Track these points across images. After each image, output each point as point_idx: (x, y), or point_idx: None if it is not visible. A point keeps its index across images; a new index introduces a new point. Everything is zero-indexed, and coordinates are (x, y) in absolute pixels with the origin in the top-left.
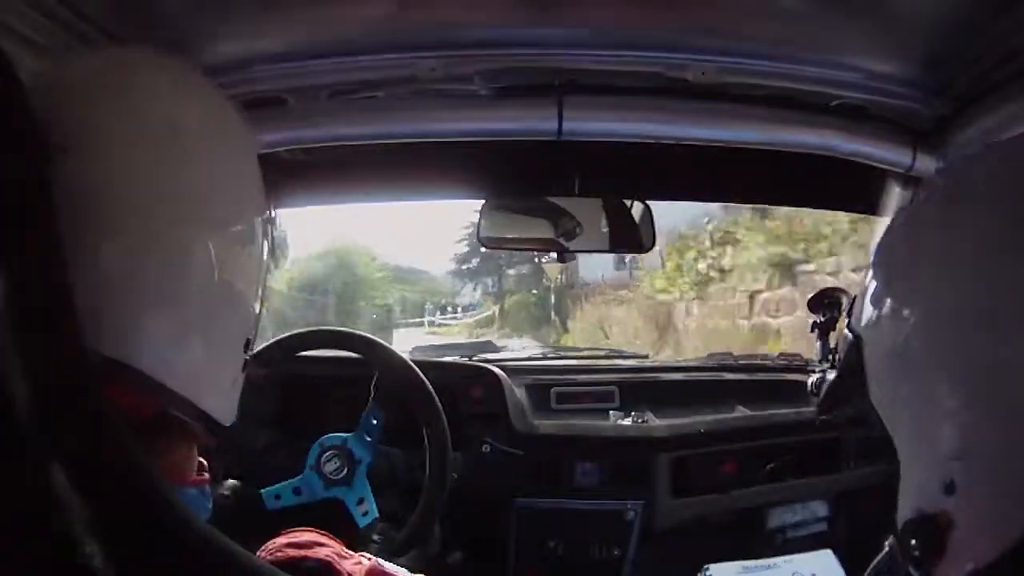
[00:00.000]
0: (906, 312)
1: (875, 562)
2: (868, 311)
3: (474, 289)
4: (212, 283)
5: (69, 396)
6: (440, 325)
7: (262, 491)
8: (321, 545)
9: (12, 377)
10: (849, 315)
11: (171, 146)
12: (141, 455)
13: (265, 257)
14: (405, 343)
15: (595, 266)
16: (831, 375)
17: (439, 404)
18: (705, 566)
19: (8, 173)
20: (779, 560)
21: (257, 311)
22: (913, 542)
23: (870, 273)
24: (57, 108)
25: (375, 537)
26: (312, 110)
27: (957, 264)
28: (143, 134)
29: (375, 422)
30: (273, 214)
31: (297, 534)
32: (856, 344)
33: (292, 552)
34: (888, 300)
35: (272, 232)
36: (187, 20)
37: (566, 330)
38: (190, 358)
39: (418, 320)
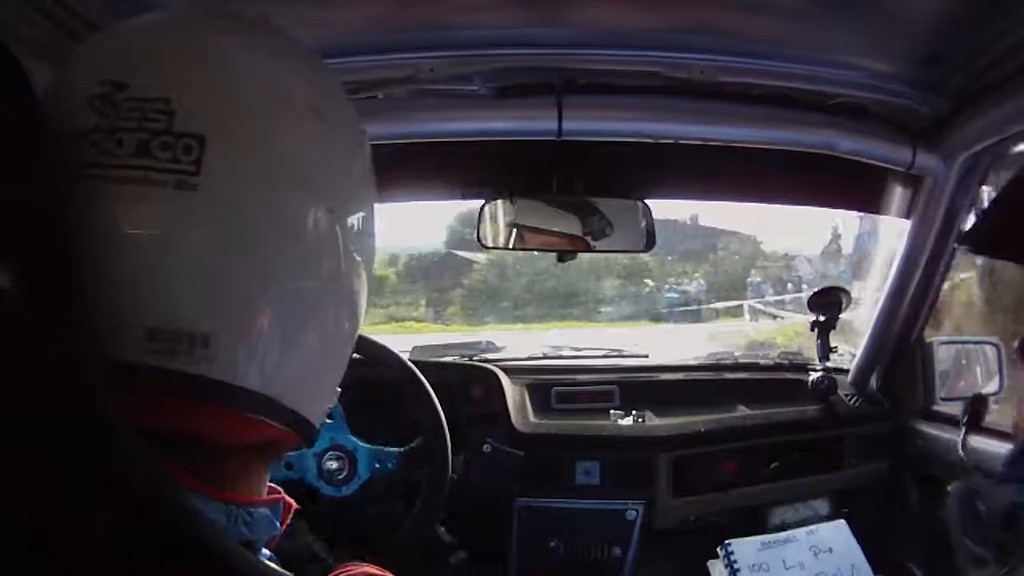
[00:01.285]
0: None
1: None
2: None
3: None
4: (345, 295)
5: (78, 407)
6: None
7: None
8: None
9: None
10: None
11: (315, 127)
12: (161, 469)
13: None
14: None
15: None
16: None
17: (438, 404)
18: (727, 542)
19: (14, 176)
20: (798, 533)
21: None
22: None
23: None
24: (180, 83)
25: None
26: None
27: None
28: (288, 113)
29: (390, 466)
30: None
31: (352, 567)
32: None
33: None
34: None
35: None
36: None
37: None
38: (317, 378)
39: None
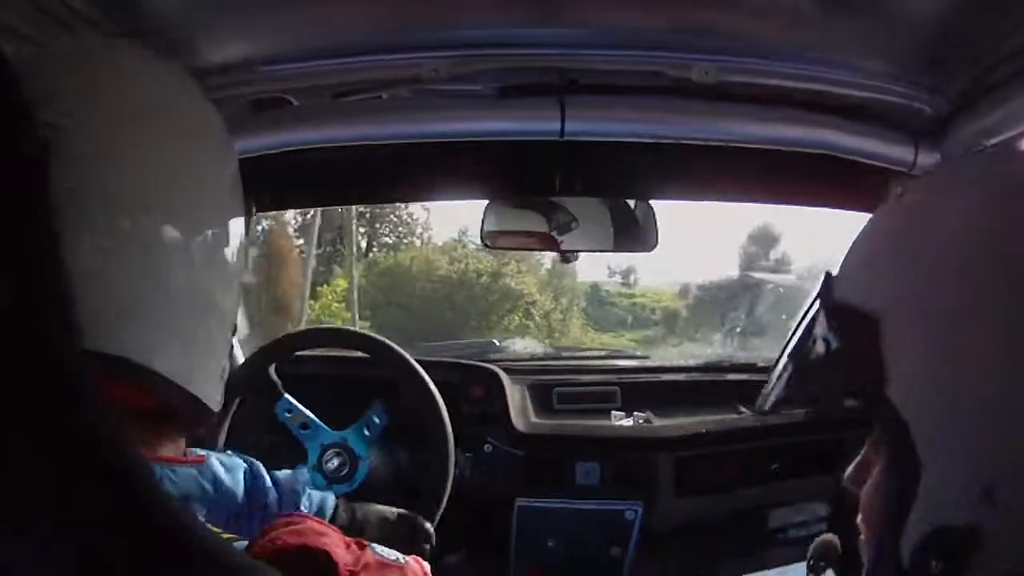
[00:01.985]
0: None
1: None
2: (895, 286)
3: None
4: (196, 271)
5: (68, 395)
6: None
7: None
8: (320, 534)
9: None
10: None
11: (154, 134)
12: (141, 457)
13: (239, 250)
14: None
15: None
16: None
17: (443, 405)
18: None
19: (3, 172)
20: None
21: (238, 302)
22: (933, 562)
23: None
24: (49, 86)
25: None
26: (316, 111)
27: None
28: (129, 121)
29: (377, 421)
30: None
31: (297, 521)
32: (869, 326)
33: (291, 539)
34: (919, 314)
35: (248, 230)
36: (188, 20)
37: None
38: (183, 346)
39: None
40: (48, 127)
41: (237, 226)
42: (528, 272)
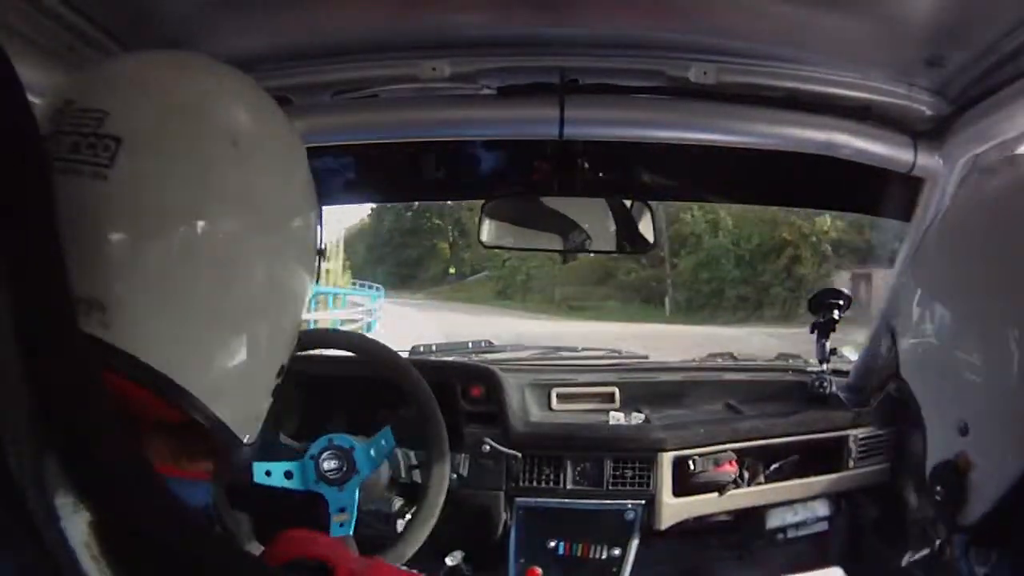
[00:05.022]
0: (938, 307)
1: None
2: (904, 310)
3: None
4: (254, 298)
5: (68, 393)
6: None
7: (255, 463)
8: (319, 543)
9: (11, 375)
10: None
11: (227, 150)
12: (139, 452)
13: (310, 281)
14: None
15: None
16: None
17: (436, 405)
18: None
19: (7, 174)
20: None
21: (296, 337)
22: (938, 488)
23: (905, 276)
24: (114, 100)
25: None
26: (315, 109)
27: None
28: (201, 136)
29: (384, 444)
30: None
31: (295, 533)
32: (892, 335)
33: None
34: (921, 298)
35: (320, 257)
36: (189, 19)
37: None
38: (221, 371)
39: None
40: (111, 139)
41: (312, 242)
42: None
